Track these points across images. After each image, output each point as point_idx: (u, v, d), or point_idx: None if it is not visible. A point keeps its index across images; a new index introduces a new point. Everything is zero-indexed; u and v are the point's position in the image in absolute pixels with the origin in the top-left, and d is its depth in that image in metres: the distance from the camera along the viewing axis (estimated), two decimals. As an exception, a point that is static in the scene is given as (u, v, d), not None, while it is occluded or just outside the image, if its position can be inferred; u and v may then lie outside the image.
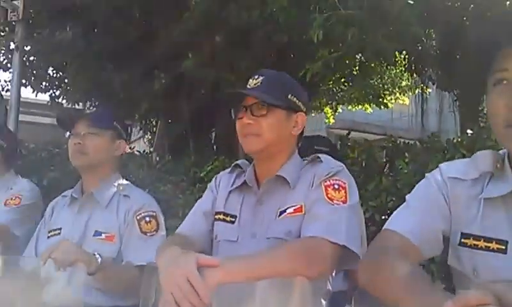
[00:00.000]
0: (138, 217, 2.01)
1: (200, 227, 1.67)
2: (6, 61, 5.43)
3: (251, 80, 1.61)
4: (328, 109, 8.57)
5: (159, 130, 6.71)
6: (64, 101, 6.09)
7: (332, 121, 9.38)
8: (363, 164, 3.48)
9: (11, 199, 2.27)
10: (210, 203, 1.71)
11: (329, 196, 1.47)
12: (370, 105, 7.90)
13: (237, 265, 1.29)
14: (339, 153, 3.44)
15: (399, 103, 8.01)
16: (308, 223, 1.44)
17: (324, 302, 1.55)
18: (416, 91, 7.36)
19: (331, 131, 10.87)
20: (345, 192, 1.48)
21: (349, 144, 3.74)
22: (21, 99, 5.78)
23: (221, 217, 1.65)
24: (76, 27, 4.25)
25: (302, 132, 1.67)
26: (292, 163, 1.61)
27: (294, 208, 1.51)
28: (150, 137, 7.66)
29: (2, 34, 5.01)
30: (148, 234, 1.98)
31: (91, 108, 6.51)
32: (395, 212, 1.27)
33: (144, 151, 4.47)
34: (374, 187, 3.25)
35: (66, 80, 5.65)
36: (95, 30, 4.15)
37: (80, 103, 6.23)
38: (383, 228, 1.24)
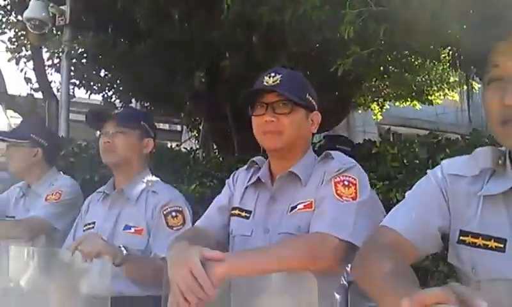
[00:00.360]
0: (165, 212, 2.09)
1: (215, 221, 1.74)
2: (58, 63, 5.73)
3: (266, 77, 1.62)
4: (374, 106, 8.47)
5: (203, 128, 6.87)
6: (117, 101, 6.36)
7: (380, 117, 9.24)
8: (404, 161, 3.43)
9: (52, 194, 2.39)
10: (226, 198, 1.77)
11: (338, 192, 1.49)
12: (417, 102, 7.77)
13: (241, 259, 1.34)
14: (379, 148, 3.43)
15: (447, 98, 7.82)
16: (316, 219, 1.47)
17: (338, 296, 1.56)
18: (465, 87, 7.17)
19: (382, 127, 10.69)
20: (356, 188, 1.50)
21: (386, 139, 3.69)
22: (75, 99, 6.11)
23: (237, 212, 1.70)
24: (118, 29, 4.43)
25: None
26: (305, 160, 1.65)
27: (304, 204, 1.55)
28: (196, 134, 7.84)
29: (53, 38, 5.30)
30: (175, 228, 2.05)
31: (141, 108, 6.79)
32: (393, 208, 1.28)
33: (191, 148, 4.59)
34: (415, 183, 3.20)
35: (118, 81, 5.87)
36: (137, 31, 4.29)
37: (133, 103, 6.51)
38: (380, 224, 1.25)
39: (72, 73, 5.43)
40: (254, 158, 1.80)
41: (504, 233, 1.08)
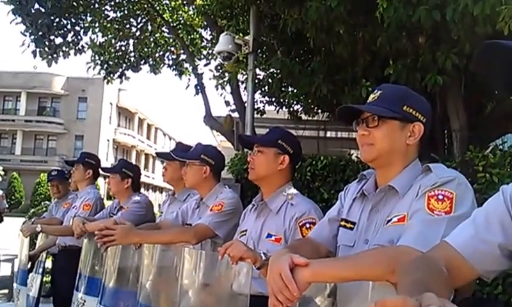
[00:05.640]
0: (300, 224, 2.27)
1: (324, 232, 1.85)
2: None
3: (372, 95, 1.73)
4: None
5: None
6: (303, 115, 6.81)
7: None
8: None
9: (215, 205, 2.77)
10: (336, 210, 1.87)
11: (430, 206, 1.47)
12: None
13: (324, 266, 1.44)
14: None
15: None
16: (403, 232, 1.47)
17: None
18: None
19: None
20: (451, 202, 1.45)
21: None
22: (266, 115, 6.75)
23: (343, 223, 1.80)
24: (292, 49, 4.79)
25: (422, 141, 1.69)
26: (407, 172, 1.65)
27: (398, 217, 1.56)
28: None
29: (240, 65, 5.98)
30: None
31: (327, 118, 7.10)
32: (460, 224, 1.24)
33: (360, 156, 4.71)
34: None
35: (303, 96, 6.28)
36: (308, 50, 4.58)
37: (319, 114, 6.88)
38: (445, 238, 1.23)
39: (262, 92, 6.02)
40: (364, 172, 1.87)
41: None
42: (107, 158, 41.03)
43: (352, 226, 1.75)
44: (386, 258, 1.39)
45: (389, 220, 1.59)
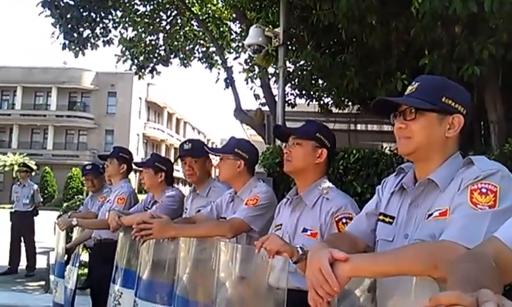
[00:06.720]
0: (336, 219, 2.25)
1: (362, 226, 1.83)
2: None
3: (410, 87, 1.70)
4: None
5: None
6: (333, 107, 6.75)
7: None
8: None
9: (250, 199, 2.78)
10: (374, 204, 1.85)
11: (473, 200, 1.43)
12: None
13: (364, 261, 1.43)
14: None
15: None
16: (446, 227, 1.44)
17: None
18: None
19: None
20: (495, 196, 1.41)
21: None
22: (296, 108, 6.72)
23: (381, 217, 1.77)
24: (323, 41, 4.74)
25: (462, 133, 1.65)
26: (447, 166, 1.61)
27: (439, 211, 1.53)
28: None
29: (270, 58, 5.96)
30: None
31: (358, 110, 7.03)
32: (510, 219, 1.20)
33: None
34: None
35: (335, 89, 6.22)
36: (340, 41, 4.53)
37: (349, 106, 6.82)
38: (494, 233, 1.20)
39: (292, 85, 5.98)
40: (402, 165, 1.84)
41: None
42: (137, 153, 41.57)
43: (391, 220, 1.73)
44: (428, 253, 1.37)
45: (430, 215, 1.56)
